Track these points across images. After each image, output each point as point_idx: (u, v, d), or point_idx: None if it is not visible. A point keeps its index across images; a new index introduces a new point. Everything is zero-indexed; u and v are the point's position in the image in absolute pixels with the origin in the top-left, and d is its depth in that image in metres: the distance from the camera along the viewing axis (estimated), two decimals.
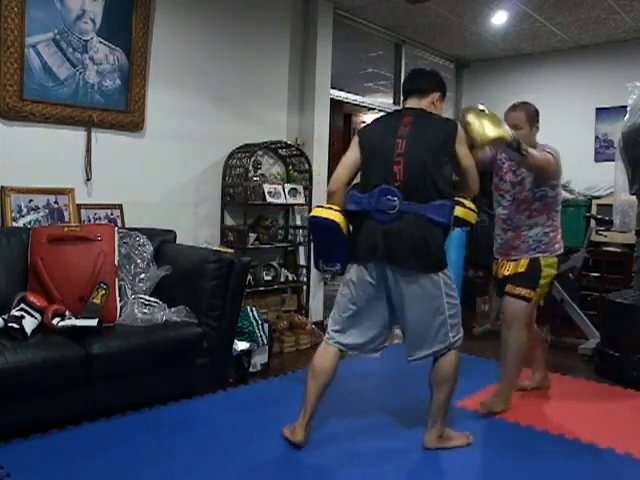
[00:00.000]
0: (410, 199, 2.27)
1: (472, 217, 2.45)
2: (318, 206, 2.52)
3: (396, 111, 2.61)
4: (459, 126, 2.39)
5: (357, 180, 2.50)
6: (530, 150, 2.64)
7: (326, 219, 2.39)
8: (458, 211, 2.37)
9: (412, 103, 2.48)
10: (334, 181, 2.50)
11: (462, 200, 2.41)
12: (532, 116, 2.93)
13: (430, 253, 2.28)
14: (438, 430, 2.47)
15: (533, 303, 2.96)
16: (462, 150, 2.38)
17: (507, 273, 2.98)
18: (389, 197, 2.28)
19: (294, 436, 2.45)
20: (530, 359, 3.25)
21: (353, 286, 2.43)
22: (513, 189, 2.94)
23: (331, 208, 2.41)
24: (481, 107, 2.46)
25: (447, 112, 6.62)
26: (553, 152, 2.84)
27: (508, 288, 2.95)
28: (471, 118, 2.49)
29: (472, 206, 2.46)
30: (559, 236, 2.99)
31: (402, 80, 5.62)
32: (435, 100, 2.49)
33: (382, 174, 2.33)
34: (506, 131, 2.49)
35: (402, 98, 2.56)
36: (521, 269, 2.93)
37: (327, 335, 2.52)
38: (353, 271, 2.43)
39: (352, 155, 2.46)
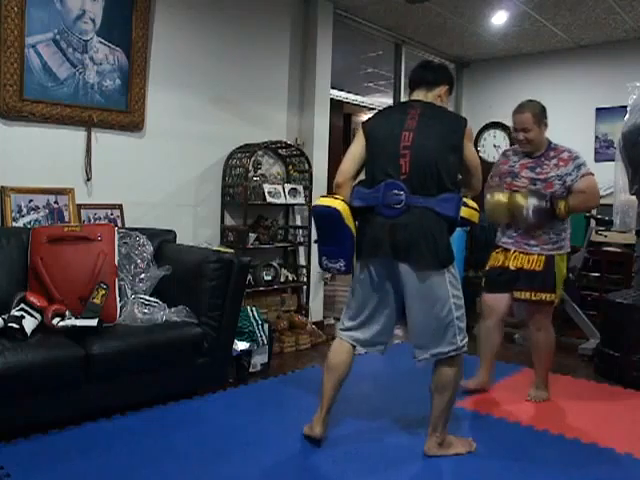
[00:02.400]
0: (417, 193, 2.23)
1: (475, 217, 2.42)
2: (322, 196, 2.46)
3: (403, 103, 2.52)
4: (468, 123, 2.36)
5: (363, 176, 2.46)
6: (570, 203, 2.86)
7: (328, 207, 2.31)
8: (463, 211, 2.33)
9: (419, 95, 2.43)
10: (341, 174, 2.42)
11: (465, 200, 2.38)
12: (539, 115, 2.94)
13: (437, 248, 2.23)
14: (438, 437, 2.41)
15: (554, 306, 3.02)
16: (469, 148, 2.36)
17: (519, 266, 2.97)
18: (395, 191, 2.24)
19: (312, 431, 2.46)
20: (488, 355, 3.21)
21: (361, 283, 2.41)
22: (534, 185, 2.94)
23: (334, 197, 2.35)
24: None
25: None
26: (588, 170, 2.92)
27: (526, 295, 2.97)
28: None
29: (475, 205, 2.44)
30: (569, 235, 3.05)
31: (402, 78, 5.63)
32: (442, 93, 2.44)
33: (388, 168, 2.28)
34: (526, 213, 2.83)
35: (409, 89, 2.50)
36: (538, 267, 2.93)
37: (340, 331, 2.51)
38: (360, 268, 2.40)
39: (358, 147, 2.41)
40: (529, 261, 2.96)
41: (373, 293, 2.39)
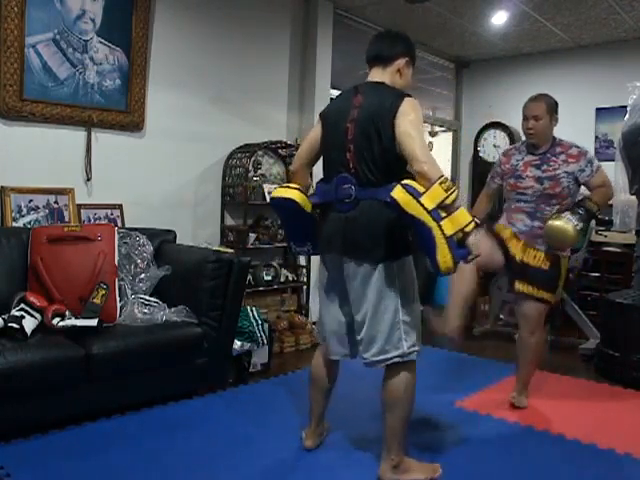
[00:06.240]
0: (365, 185, 2.11)
1: (410, 206, 1.90)
2: (279, 186, 2.39)
3: (352, 88, 2.26)
4: (405, 97, 2.08)
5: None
6: (596, 201, 2.85)
7: (285, 199, 2.26)
8: (400, 198, 1.91)
9: (375, 74, 2.23)
10: (295, 160, 2.42)
11: (408, 182, 1.93)
12: (552, 107, 2.95)
13: (384, 241, 2.08)
14: (393, 460, 2.17)
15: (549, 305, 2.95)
16: (403, 120, 2.02)
17: (526, 261, 2.88)
18: (345, 185, 2.14)
19: (305, 441, 2.45)
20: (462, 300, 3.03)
21: (322, 282, 2.34)
22: (540, 184, 2.89)
23: (289, 187, 2.29)
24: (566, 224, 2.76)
25: (447, 112, 6.63)
26: (599, 163, 2.93)
27: (528, 289, 2.87)
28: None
29: (417, 186, 1.91)
30: None
31: None
32: (402, 67, 2.21)
33: (338, 162, 2.18)
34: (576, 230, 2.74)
35: (368, 66, 2.29)
36: (544, 266, 2.86)
37: (320, 337, 2.45)
38: (320, 267, 2.35)
39: (314, 133, 2.34)
40: (535, 257, 2.89)
41: (333, 292, 2.28)
